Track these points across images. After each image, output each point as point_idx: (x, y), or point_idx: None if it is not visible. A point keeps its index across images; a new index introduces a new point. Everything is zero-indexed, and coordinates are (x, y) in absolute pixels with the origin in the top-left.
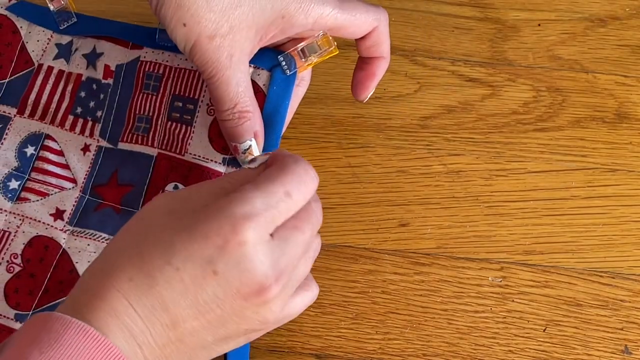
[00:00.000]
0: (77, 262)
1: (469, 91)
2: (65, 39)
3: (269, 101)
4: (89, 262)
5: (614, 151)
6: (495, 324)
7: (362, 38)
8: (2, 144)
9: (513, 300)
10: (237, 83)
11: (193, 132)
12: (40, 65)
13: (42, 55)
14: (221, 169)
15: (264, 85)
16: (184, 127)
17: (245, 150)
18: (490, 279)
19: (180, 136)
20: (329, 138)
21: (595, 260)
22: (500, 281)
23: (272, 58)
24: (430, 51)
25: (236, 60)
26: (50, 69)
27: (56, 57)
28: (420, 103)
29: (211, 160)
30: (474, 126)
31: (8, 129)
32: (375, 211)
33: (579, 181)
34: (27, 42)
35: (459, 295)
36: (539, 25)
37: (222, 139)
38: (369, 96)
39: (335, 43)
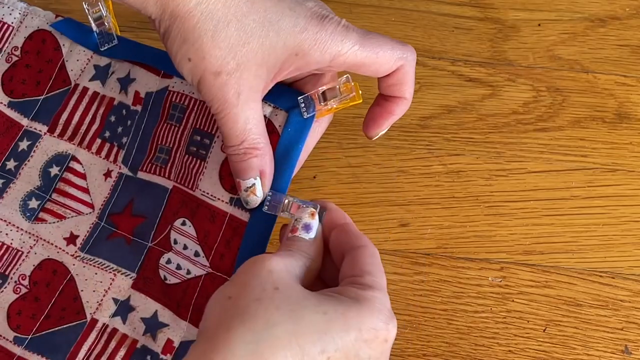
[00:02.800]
0: (82, 290)
1: (469, 91)
2: (104, 61)
3: (281, 142)
4: (94, 291)
5: (614, 151)
6: (495, 324)
7: (385, 76)
8: (28, 161)
9: (513, 300)
10: (245, 120)
11: (205, 168)
12: (76, 86)
13: (80, 75)
14: (227, 208)
15: (279, 126)
16: (198, 161)
17: (247, 187)
18: (490, 279)
19: (194, 171)
20: (329, 138)
21: (595, 260)
22: (500, 281)
23: (292, 98)
24: (430, 51)
25: (244, 98)
26: (85, 90)
27: (93, 79)
28: (420, 103)
29: (218, 199)
30: (474, 126)
31: (37, 146)
32: (375, 211)
33: (579, 181)
34: (67, 61)
35: (458, 295)
36: (539, 25)
37: (232, 177)
38: (380, 134)
39: (360, 91)
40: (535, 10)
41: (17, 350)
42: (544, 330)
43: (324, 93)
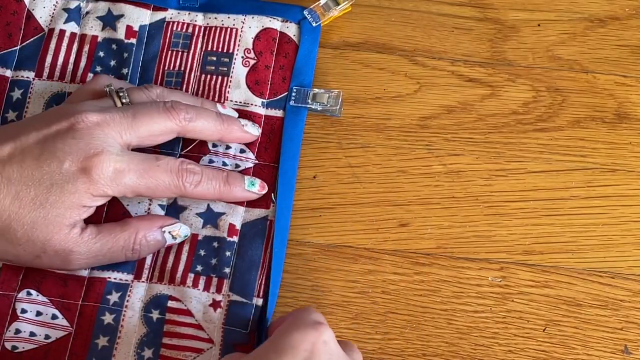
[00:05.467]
0: (127, 205)
1: (469, 91)
2: (72, 4)
3: (302, 46)
4: (139, 202)
5: (613, 151)
6: (495, 324)
7: None
8: (27, 107)
9: (513, 300)
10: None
11: (231, 81)
12: (52, 30)
13: (51, 20)
14: (262, 111)
15: (294, 35)
16: (220, 77)
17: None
18: (490, 279)
19: (218, 86)
20: (329, 138)
21: (595, 260)
22: (500, 281)
23: (297, 12)
24: (430, 51)
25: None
26: (62, 32)
27: (66, 21)
28: (420, 103)
29: (252, 104)
30: (473, 126)
31: (30, 92)
32: (375, 211)
33: (578, 181)
34: (33, 10)
35: (458, 295)
36: (539, 25)
37: (259, 86)
38: None
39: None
40: (535, 11)
41: (85, 273)
42: (544, 330)
43: (324, 5)
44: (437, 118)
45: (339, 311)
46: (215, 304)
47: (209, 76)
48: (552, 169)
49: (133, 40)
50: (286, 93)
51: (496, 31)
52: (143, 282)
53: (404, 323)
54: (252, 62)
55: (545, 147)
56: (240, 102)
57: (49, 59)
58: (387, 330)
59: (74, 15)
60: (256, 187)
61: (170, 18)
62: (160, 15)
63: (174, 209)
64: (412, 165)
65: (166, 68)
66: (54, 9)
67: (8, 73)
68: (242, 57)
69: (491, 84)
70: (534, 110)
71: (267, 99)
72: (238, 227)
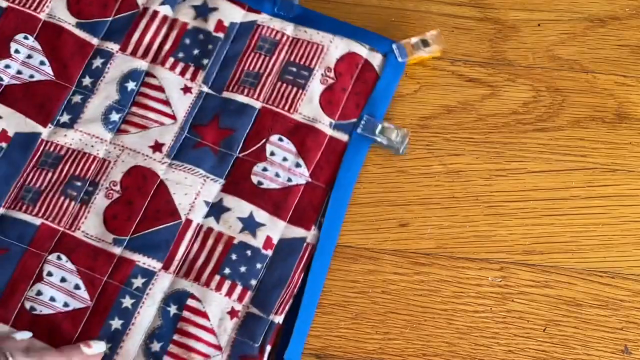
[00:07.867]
0: (174, 194)
1: (469, 91)
2: None
3: (382, 79)
4: (185, 194)
5: (613, 151)
6: (495, 324)
7: None
8: (104, 77)
9: (513, 300)
10: None
11: (304, 95)
12: (146, 9)
13: (147, 0)
14: (328, 131)
15: (377, 66)
16: (295, 88)
17: None
18: (490, 279)
19: (291, 96)
20: None
21: (595, 260)
22: (500, 281)
23: (386, 45)
24: None
25: None
26: (155, 13)
27: (162, 3)
28: (420, 103)
29: (319, 122)
30: (473, 126)
31: (110, 63)
32: (375, 211)
33: (578, 181)
34: None
35: (458, 295)
36: (539, 25)
37: (331, 105)
38: None
39: (444, 45)
40: (535, 11)
41: (118, 251)
42: (544, 330)
43: (416, 43)
44: (437, 118)
45: (339, 311)
46: (233, 313)
47: (284, 85)
48: (552, 169)
49: (221, 35)
50: (356, 119)
51: (496, 31)
52: (170, 273)
53: (404, 323)
54: (330, 81)
55: (545, 147)
56: (309, 118)
57: (136, 35)
58: (387, 330)
59: None
60: None
61: (262, 22)
62: (252, 17)
63: (217, 208)
64: (412, 165)
65: (246, 68)
66: None
67: (95, 41)
68: (322, 74)
69: (491, 84)
70: (534, 110)
71: (336, 120)
72: (275, 241)
